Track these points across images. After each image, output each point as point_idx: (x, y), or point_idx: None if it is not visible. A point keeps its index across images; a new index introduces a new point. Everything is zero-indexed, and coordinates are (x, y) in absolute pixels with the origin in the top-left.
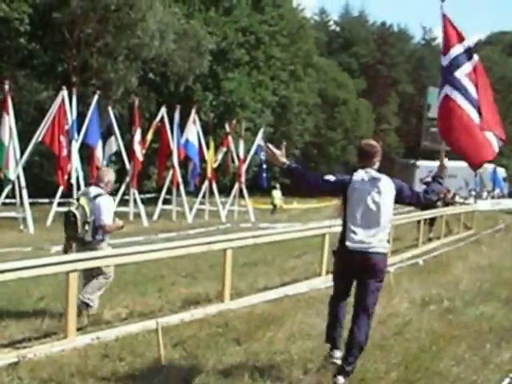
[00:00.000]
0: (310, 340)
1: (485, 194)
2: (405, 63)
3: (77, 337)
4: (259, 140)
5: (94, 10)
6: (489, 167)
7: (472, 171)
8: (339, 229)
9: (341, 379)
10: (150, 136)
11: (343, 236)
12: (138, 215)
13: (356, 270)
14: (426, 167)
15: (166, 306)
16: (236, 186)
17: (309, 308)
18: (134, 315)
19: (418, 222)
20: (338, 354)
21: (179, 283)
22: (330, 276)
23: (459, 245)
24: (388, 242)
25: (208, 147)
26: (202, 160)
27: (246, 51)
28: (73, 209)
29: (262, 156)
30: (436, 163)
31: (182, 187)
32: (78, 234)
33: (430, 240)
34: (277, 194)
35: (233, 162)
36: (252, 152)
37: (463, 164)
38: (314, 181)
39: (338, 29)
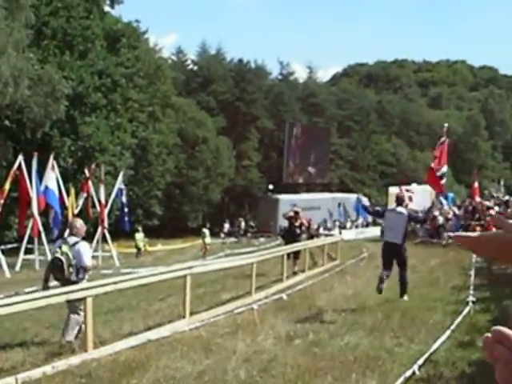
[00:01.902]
0: None
1: (349, 223)
2: (263, 99)
3: None
4: (120, 183)
5: None
6: (352, 197)
7: (336, 202)
8: (201, 269)
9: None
10: (7, 185)
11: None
12: None
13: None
14: (287, 201)
15: (29, 360)
16: (99, 230)
17: (173, 351)
18: None
19: (283, 256)
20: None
21: (43, 335)
22: (195, 317)
23: (324, 276)
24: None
25: (68, 193)
26: (63, 207)
27: (103, 94)
28: (58, 255)
29: (124, 199)
30: (297, 196)
31: (43, 235)
32: (65, 275)
33: (294, 274)
34: (139, 236)
35: (94, 206)
36: (113, 195)
37: (327, 195)
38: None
39: (195, 68)
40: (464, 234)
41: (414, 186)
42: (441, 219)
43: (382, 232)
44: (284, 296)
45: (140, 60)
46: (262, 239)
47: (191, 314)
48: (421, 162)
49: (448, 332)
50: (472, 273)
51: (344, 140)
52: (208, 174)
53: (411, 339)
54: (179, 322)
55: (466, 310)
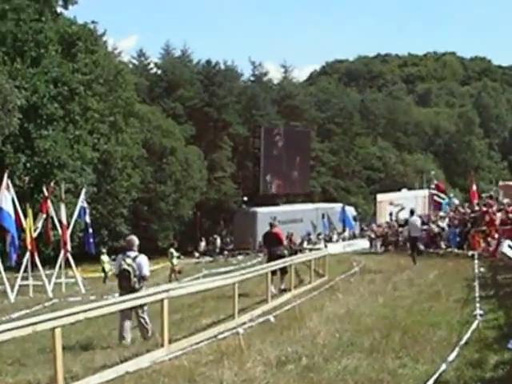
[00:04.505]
0: None
1: (335, 236)
2: (235, 103)
3: None
4: (82, 202)
5: None
6: (337, 207)
7: (319, 213)
8: (180, 291)
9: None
10: None
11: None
12: None
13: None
14: (266, 214)
15: None
16: (61, 255)
17: None
18: None
19: (266, 274)
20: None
21: (5, 372)
22: (174, 345)
23: (313, 294)
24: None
25: (25, 215)
26: (21, 230)
27: (60, 104)
28: (125, 267)
29: (87, 219)
30: (277, 208)
31: None
32: (131, 284)
33: (283, 291)
34: (105, 258)
35: (54, 228)
36: (75, 216)
37: (309, 206)
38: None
39: (159, 72)
40: None
41: (404, 192)
42: (436, 228)
43: (409, 231)
44: (271, 318)
45: (98, 65)
46: (240, 257)
47: (170, 341)
48: (410, 166)
49: (457, 349)
50: (476, 284)
51: (325, 144)
52: (178, 188)
53: (415, 359)
54: (158, 350)
55: (474, 324)
